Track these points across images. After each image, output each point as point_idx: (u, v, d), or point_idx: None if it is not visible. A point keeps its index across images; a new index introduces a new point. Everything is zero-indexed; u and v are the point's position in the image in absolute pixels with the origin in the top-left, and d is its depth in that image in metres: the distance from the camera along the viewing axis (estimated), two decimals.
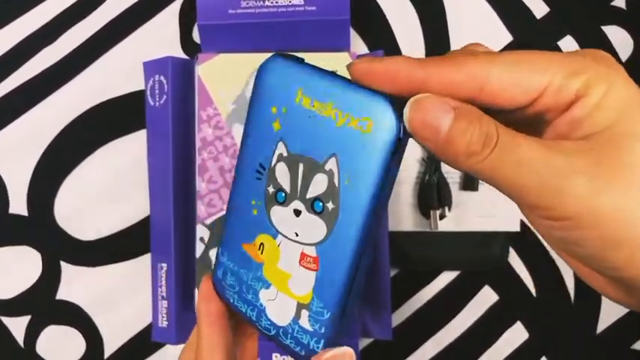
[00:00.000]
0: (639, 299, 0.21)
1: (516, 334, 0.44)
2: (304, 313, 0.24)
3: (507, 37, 0.45)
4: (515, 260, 0.45)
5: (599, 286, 0.22)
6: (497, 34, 0.45)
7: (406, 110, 0.19)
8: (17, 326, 0.44)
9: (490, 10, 0.46)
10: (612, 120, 0.18)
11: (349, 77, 0.21)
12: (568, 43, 0.46)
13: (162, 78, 0.43)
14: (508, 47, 0.45)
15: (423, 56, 0.45)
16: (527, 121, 0.20)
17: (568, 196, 0.18)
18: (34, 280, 0.44)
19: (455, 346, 0.44)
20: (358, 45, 0.46)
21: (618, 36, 0.46)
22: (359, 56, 0.43)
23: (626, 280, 0.19)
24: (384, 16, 0.46)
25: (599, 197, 0.18)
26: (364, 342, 0.44)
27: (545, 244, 0.44)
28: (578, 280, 0.44)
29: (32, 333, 0.44)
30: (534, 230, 0.44)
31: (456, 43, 0.45)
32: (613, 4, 0.46)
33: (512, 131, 0.18)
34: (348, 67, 0.20)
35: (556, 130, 0.19)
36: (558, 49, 0.46)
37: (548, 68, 0.18)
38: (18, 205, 0.45)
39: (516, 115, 0.20)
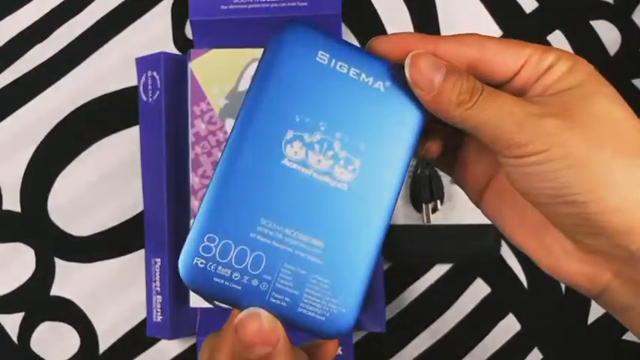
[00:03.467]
0: (593, 266, 0.23)
1: (509, 326, 0.45)
2: None
3: (497, 32, 0.46)
4: (507, 253, 0.45)
5: (555, 259, 0.24)
6: (487, 28, 0.46)
7: (407, 63, 0.22)
8: (11, 323, 0.44)
9: (480, 5, 0.46)
10: (578, 82, 0.22)
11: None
12: (557, 37, 0.46)
13: (154, 74, 0.44)
14: None
15: None
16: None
17: (541, 132, 0.21)
18: (28, 277, 0.44)
19: (448, 339, 0.45)
20: (349, 40, 0.46)
21: (606, 30, 0.46)
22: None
23: (590, 217, 0.21)
24: (375, 11, 0.46)
25: (567, 133, 0.21)
26: (358, 335, 0.45)
27: None
28: None
29: (26, 329, 0.44)
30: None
31: None
32: None
33: (492, 88, 0.22)
34: (370, 42, 0.24)
35: (532, 95, 0.23)
36: (547, 44, 0.46)
37: (529, 46, 0.23)
38: (11, 202, 0.45)
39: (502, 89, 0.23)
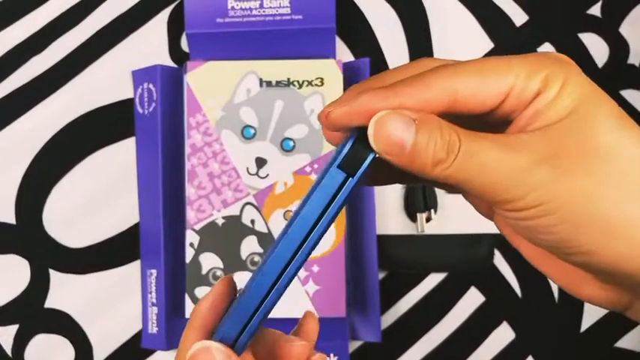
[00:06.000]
0: (612, 292, 0.22)
1: (503, 335, 0.45)
2: None
3: (489, 44, 0.47)
4: (500, 261, 0.46)
5: (575, 284, 0.22)
6: (478, 41, 0.47)
7: (370, 131, 0.19)
8: (5, 335, 0.44)
9: (472, 18, 0.47)
10: (569, 110, 0.19)
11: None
12: (546, 49, 0.47)
13: (151, 86, 0.44)
14: (489, 54, 0.47)
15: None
16: (494, 122, 0.21)
17: (530, 186, 0.19)
18: (23, 289, 0.44)
19: (443, 348, 0.45)
20: (343, 52, 0.47)
21: (594, 43, 0.47)
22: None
23: (597, 265, 0.20)
24: (369, 24, 0.47)
25: (561, 183, 0.19)
26: (353, 344, 0.45)
27: None
28: None
29: (20, 342, 0.44)
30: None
31: (438, 50, 0.46)
32: (589, 12, 0.47)
33: (471, 134, 0.19)
34: (319, 116, 0.21)
35: (518, 124, 0.20)
36: None
37: (511, 71, 0.19)
38: (6, 214, 0.45)
39: (485, 118, 0.21)
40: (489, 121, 0.21)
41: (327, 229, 0.21)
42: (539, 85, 0.19)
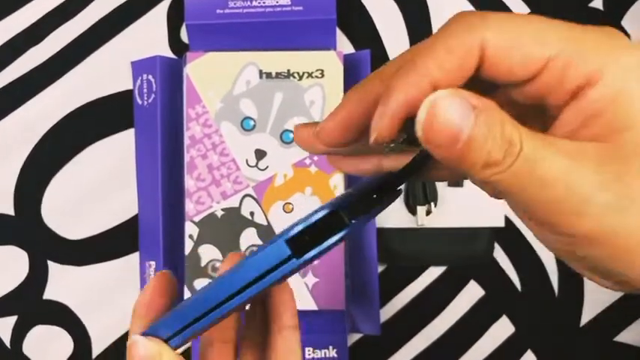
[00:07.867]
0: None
1: (502, 328, 0.45)
2: None
3: None
4: (500, 255, 0.45)
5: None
6: None
7: (421, 115, 0.15)
8: (4, 326, 0.44)
9: (472, 9, 0.47)
10: (635, 119, 0.15)
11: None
12: None
13: (150, 77, 0.44)
14: None
15: None
16: (532, 104, 0.18)
17: (586, 215, 0.16)
18: (21, 280, 0.44)
19: (442, 341, 0.45)
20: (344, 44, 0.46)
21: None
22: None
23: (623, 287, 0.18)
24: (369, 15, 0.47)
25: (619, 217, 0.16)
26: (353, 337, 0.45)
27: (529, 239, 0.45)
28: (561, 274, 0.45)
29: (19, 333, 0.44)
30: (520, 227, 0.45)
31: None
32: (591, 5, 0.47)
33: (536, 137, 0.16)
34: (303, 141, 0.20)
35: (568, 122, 0.17)
36: None
37: (555, 39, 0.16)
38: (4, 205, 0.45)
39: (519, 95, 0.18)
40: (526, 100, 0.18)
41: (249, 299, 0.20)
42: (591, 69, 0.16)
